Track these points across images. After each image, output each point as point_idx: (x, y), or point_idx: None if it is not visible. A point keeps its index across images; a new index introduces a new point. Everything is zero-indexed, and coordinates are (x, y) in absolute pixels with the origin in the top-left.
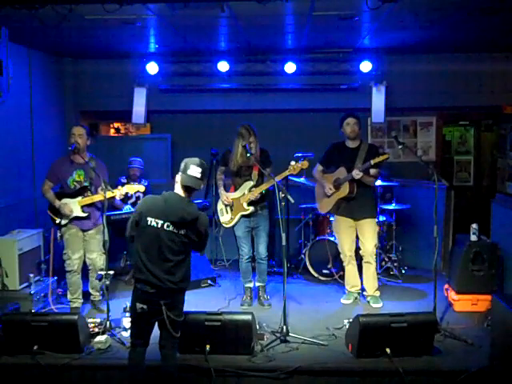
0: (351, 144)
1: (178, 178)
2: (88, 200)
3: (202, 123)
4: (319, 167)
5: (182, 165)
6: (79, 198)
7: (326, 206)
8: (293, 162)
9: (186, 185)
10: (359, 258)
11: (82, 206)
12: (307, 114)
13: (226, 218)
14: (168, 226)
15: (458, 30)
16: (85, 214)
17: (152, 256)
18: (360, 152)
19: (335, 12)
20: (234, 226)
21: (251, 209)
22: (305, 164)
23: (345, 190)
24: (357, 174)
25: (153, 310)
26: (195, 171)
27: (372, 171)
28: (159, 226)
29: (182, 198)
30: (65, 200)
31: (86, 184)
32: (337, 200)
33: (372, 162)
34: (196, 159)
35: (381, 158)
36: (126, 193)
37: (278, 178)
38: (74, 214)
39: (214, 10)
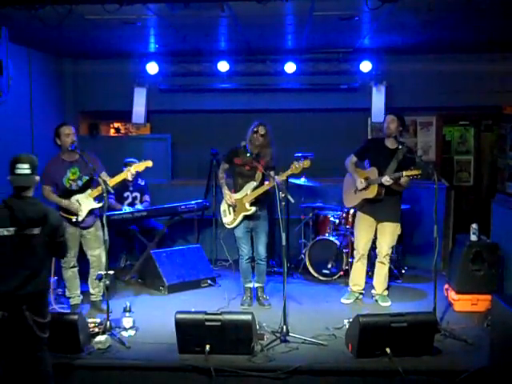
0: (390, 144)
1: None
2: (101, 189)
3: (202, 123)
4: (353, 158)
5: (10, 165)
6: (89, 191)
7: (351, 201)
8: (295, 162)
9: (17, 185)
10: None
11: (95, 198)
12: (307, 113)
13: (228, 218)
14: (19, 231)
15: (458, 30)
16: (99, 205)
17: (6, 265)
18: (397, 155)
19: (335, 12)
20: (236, 227)
21: (253, 209)
22: (306, 163)
23: (372, 191)
24: (387, 180)
25: (13, 317)
26: (22, 168)
27: (402, 180)
28: (9, 233)
29: (23, 199)
30: (76, 197)
31: (85, 177)
32: (362, 199)
33: (404, 173)
34: (22, 155)
35: (413, 173)
36: (137, 171)
37: (282, 178)
38: (90, 207)
39: (214, 10)
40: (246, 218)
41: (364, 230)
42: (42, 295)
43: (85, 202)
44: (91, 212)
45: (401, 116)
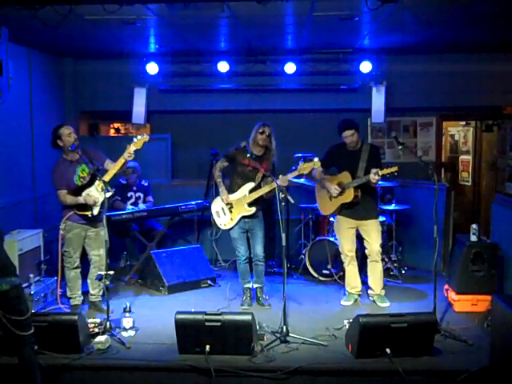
0: (351, 147)
1: None
2: (108, 176)
3: (202, 123)
4: (319, 168)
5: None
6: (97, 183)
7: (328, 208)
8: (302, 162)
9: None
10: (360, 258)
11: (103, 189)
12: (307, 114)
13: (224, 219)
14: None
15: (458, 30)
16: (111, 193)
17: None
18: (362, 154)
19: (335, 12)
20: (233, 227)
21: (254, 209)
22: (317, 164)
23: (349, 195)
24: (374, 178)
25: None
26: None
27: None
28: None
29: None
30: (86, 191)
31: (92, 171)
32: (340, 204)
33: (380, 172)
34: None
35: (389, 170)
36: (135, 150)
37: (287, 178)
38: (102, 199)
39: (214, 10)
40: (242, 218)
41: (345, 232)
42: (14, 292)
43: (96, 195)
44: (103, 204)
45: (355, 123)
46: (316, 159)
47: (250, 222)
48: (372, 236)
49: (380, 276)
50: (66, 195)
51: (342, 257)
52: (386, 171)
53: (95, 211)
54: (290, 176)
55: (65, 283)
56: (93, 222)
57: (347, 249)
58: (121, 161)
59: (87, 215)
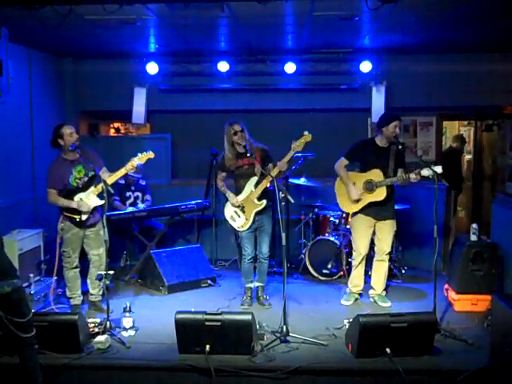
0: (381, 143)
1: None
2: (101, 188)
3: (201, 123)
4: (344, 161)
5: None
6: (92, 188)
7: (354, 206)
8: (293, 141)
9: None
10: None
11: (98, 195)
12: (307, 114)
13: (240, 221)
14: None
15: (458, 31)
16: (102, 202)
17: None
18: (391, 152)
19: (335, 12)
20: (251, 226)
21: (264, 202)
22: (308, 137)
23: (381, 194)
24: (414, 178)
25: None
26: None
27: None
28: None
29: None
30: (79, 195)
31: (90, 174)
32: (368, 203)
33: (422, 173)
34: None
35: (434, 171)
36: (137, 164)
37: (285, 160)
38: (94, 205)
39: (214, 10)
40: (256, 214)
41: (364, 231)
42: (16, 294)
43: (88, 200)
44: (95, 209)
45: None
46: (306, 132)
47: (260, 218)
48: (385, 235)
49: (384, 277)
50: (58, 196)
51: (355, 254)
52: (427, 172)
53: (84, 217)
54: (287, 158)
55: (64, 283)
56: (80, 225)
57: (363, 247)
58: (121, 171)
59: (75, 219)
